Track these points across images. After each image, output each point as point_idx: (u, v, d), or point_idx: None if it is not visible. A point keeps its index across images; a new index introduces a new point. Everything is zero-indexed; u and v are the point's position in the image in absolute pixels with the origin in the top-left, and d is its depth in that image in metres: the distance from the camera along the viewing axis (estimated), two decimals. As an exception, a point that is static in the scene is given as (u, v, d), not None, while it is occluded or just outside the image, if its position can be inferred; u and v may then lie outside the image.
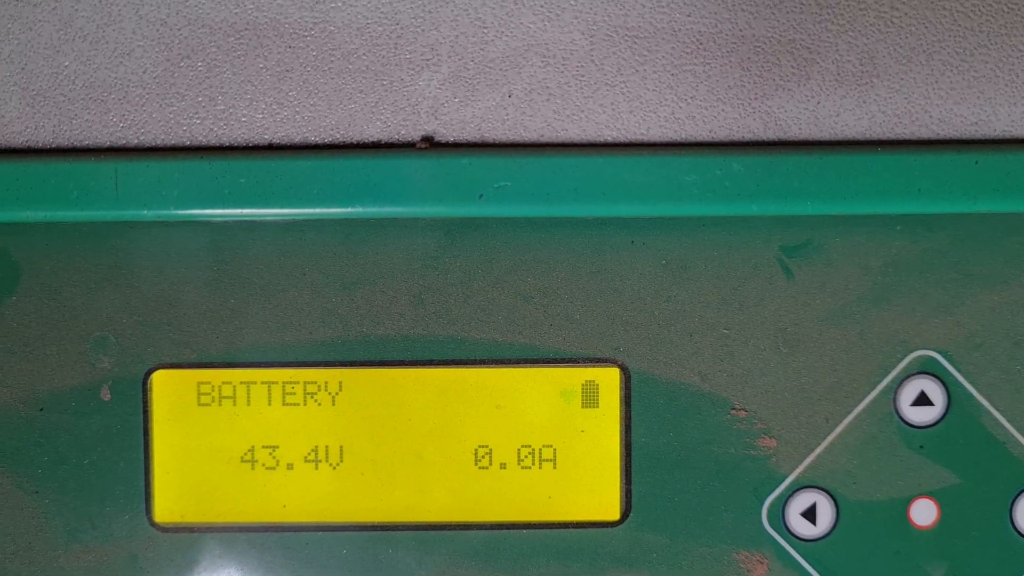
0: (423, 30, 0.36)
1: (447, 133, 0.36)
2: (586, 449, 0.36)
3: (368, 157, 0.35)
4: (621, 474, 0.36)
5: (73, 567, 0.36)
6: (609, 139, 0.36)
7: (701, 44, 0.35)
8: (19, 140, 0.36)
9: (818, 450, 0.36)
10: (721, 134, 0.36)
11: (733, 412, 0.36)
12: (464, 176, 0.34)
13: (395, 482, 0.36)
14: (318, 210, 0.35)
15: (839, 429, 0.36)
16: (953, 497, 0.36)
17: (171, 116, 0.36)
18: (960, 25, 0.36)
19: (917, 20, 0.35)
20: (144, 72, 0.36)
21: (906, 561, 0.36)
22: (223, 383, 0.36)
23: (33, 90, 0.36)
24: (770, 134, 0.36)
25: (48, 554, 0.37)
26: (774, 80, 0.36)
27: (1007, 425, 0.36)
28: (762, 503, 0.36)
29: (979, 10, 0.35)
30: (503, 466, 0.36)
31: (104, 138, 0.36)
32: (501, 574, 0.36)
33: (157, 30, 0.35)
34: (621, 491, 0.36)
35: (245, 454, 0.36)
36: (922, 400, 0.36)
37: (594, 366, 0.36)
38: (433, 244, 0.36)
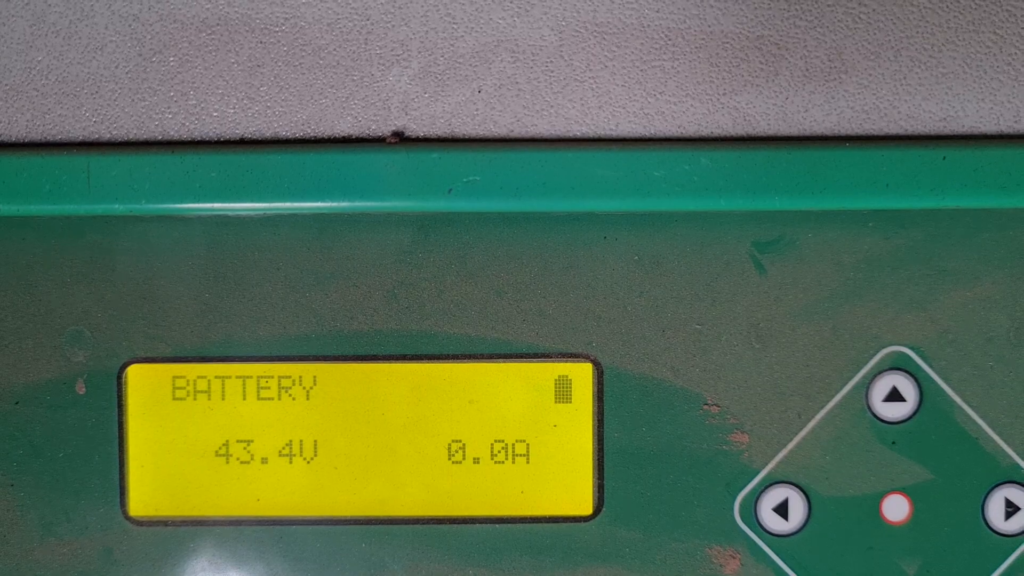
0: (393, 26, 0.36)
1: (417, 128, 0.36)
2: (559, 444, 0.36)
3: (339, 152, 0.35)
4: (594, 469, 0.36)
5: (48, 560, 0.37)
6: (578, 134, 0.36)
7: (670, 40, 0.35)
8: (-8, 135, 0.36)
9: (790, 445, 0.36)
10: (690, 129, 0.36)
11: (706, 407, 0.36)
12: (434, 171, 0.34)
13: (368, 476, 0.36)
14: (290, 204, 0.35)
15: (811, 424, 0.36)
16: (925, 493, 0.36)
17: (143, 111, 0.36)
18: (928, 22, 0.36)
19: (885, 17, 0.35)
20: (116, 67, 0.36)
21: (879, 556, 0.36)
22: (198, 377, 0.36)
23: (6, 85, 0.36)
24: (739, 130, 0.36)
25: (23, 547, 0.37)
26: (743, 76, 0.36)
27: (979, 421, 0.36)
28: (734, 498, 0.36)
29: (946, 7, 0.36)
30: (476, 461, 0.36)
31: (77, 132, 0.36)
32: (474, 568, 0.36)
33: (129, 25, 0.36)
34: (594, 486, 0.36)
35: (220, 448, 0.36)
36: (894, 396, 0.36)
37: (567, 361, 0.36)
38: (406, 239, 0.36)
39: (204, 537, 0.36)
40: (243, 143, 0.36)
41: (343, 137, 0.36)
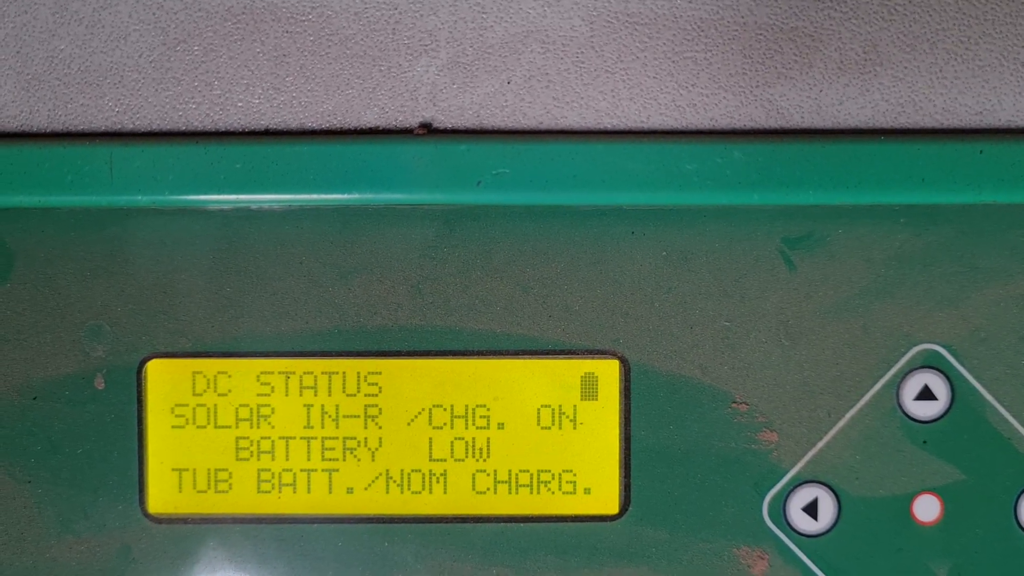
0: (421, 15, 0.35)
1: (445, 119, 0.36)
2: (585, 442, 0.36)
3: (365, 143, 0.35)
4: (620, 468, 0.36)
5: (66, 557, 0.36)
6: (609, 126, 0.36)
7: (702, 31, 0.35)
8: (14, 124, 0.36)
9: (820, 444, 0.36)
10: (722, 122, 0.36)
11: (734, 405, 0.36)
12: (462, 163, 0.34)
13: (392, 474, 0.36)
14: (315, 196, 0.35)
15: (841, 423, 0.36)
16: (957, 493, 0.36)
17: (167, 101, 0.36)
18: (964, 13, 0.35)
19: (921, 8, 0.35)
20: (140, 56, 0.36)
21: (909, 558, 0.36)
22: (218, 373, 0.36)
23: (28, 74, 0.36)
24: (772, 122, 0.36)
25: (40, 544, 0.36)
26: (776, 68, 0.35)
27: (1012, 420, 0.36)
28: (763, 498, 0.36)
29: (984, -2, 0.35)
30: (501, 459, 0.36)
31: (99, 123, 0.36)
32: (500, 567, 0.36)
33: (153, 14, 0.35)
34: (620, 485, 0.36)
35: (240, 445, 0.36)
36: (925, 395, 0.36)
37: (593, 358, 0.36)
38: (432, 233, 0.35)
39: (223, 535, 0.36)
40: (268, 134, 0.36)
41: (370, 128, 0.36)
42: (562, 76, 0.36)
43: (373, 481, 0.36)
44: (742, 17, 0.35)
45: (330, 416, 0.36)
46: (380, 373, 0.36)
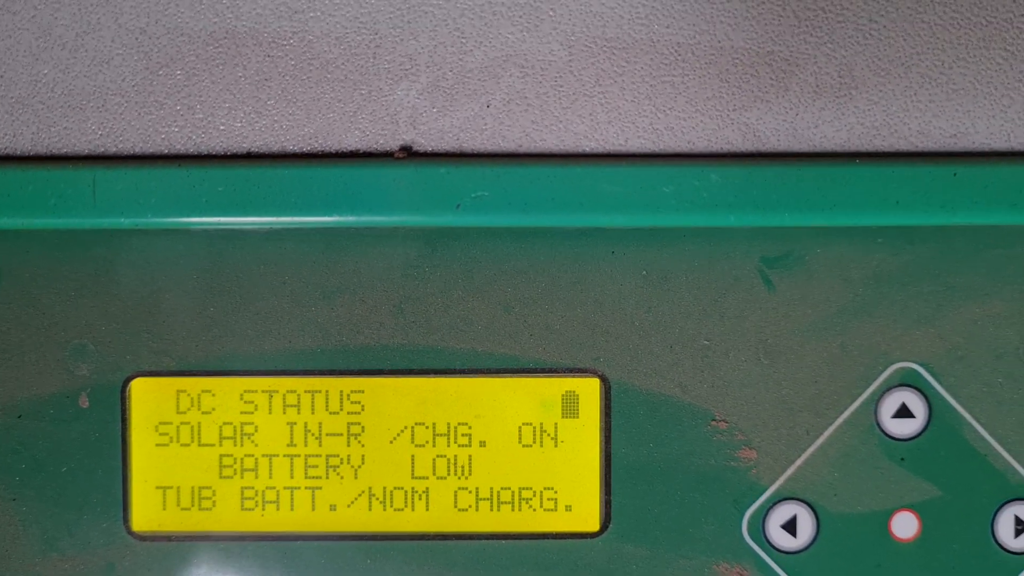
0: (402, 40, 0.36)
1: (425, 143, 0.36)
2: (566, 460, 0.36)
3: (347, 166, 0.35)
4: (601, 485, 0.36)
5: (50, 575, 0.36)
6: (587, 150, 0.36)
7: (680, 55, 0.36)
8: (-2, 147, 0.36)
9: (799, 462, 0.36)
10: (699, 145, 0.36)
11: (713, 423, 0.36)
12: (442, 185, 0.35)
13: (375, 491, 0.36)
14: (296, 219, 0.35)
15: (820, 441, 0.36)
16: (935, 510, 0.36)
17: (149, 124, 0.36)
18: (938, 38, 0.36)
19: (896, 33, 0.36)
20: (123, 80, 0.36)
21: (887, 574, 0.36)
22: (202, 391, 0.36)
23: (12, 98, 0.36)
24: (748, 146, 0.36)
25: (25, 562, 0.36)
26: (752, 92, 0.36)
27: (988, 438, 0.36)
28: (742, 515, 0.36)
29: (957, 23, 0.36)
30: (482, 476, 0.36)
31: (82, 146, 0.36)
32: (480, 585, 0.36)
33: (136, 38, 0.36)
34: (601, 502, 0.36)
35: (223, 462, 0.36)
36: (903, 412, 0.36)
37: (574, 376, 0.36)
38: (413, 254, 0.36)
39: (207, 552, 0.36)
40: (250, 157, 0.36)
41: (351, 151, 0.36)
42: (541, 100, 0.36)
43: (356, 498, 0.36)
44: (719, 42, 0.35)
45: (313, 434, 0.36)
46: (363, 391, 0.36)
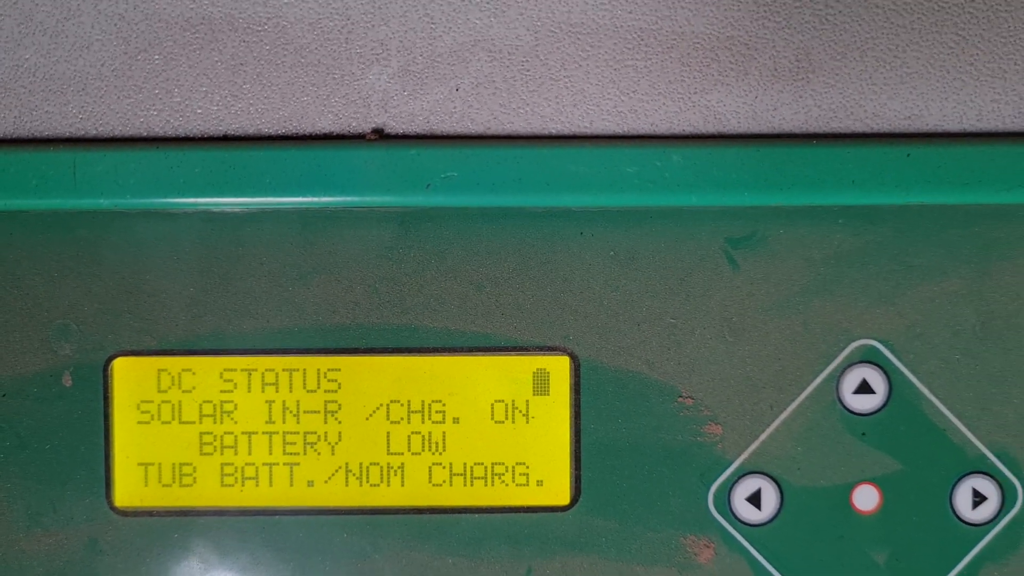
0: (373, 25, 0.36)
1: (396, 125, 0.36)
2: (537, 436, 0.36)
3: (320, 148, 0.35)
4: (571, 460, 0.36)
5: (34, 550, 0.37)
6: (553, 131, 0.36)
7: (642, 40, 0.36)
8: (-20, 131, 0.36)
9: (763, 437, 0.36)
10: (662, 127, 0.36)
11: (680, 400, 0.36)
12: (413, 167, 0.35)
13: (351, 467, 0.36)
14: (272, 200, 0.35)
15: (783, 416, 0.36)
16: (895, 483, 0.36)
17: (128, 108, 0.36)
18: (892, 23, 0.36)
19: (851, 18, 0.36)
20: (102, 65, 0.36)
21: (849, 545, 0.37)
22: (183, 370, 0.36)
23: (-6, 82, 0.36)
24: (709, 128, 0.36)
25: (9, 537, 0.37)
26: (713, 75, 0.36)
27: (947, 413, 0.36)
28: (708, 488, 0.36)
29: (911, 8, 0.36)
30: (456, 452, 0.36)
31: (63, 129, 0.36)
32: (454, 557, 0.37)
33: (115, 24, 0.36)
34: (571, 476, 0.36)
35: (204, 439, 0.36)
36: (864, 388, 0.36)
37: (545, 354, 0.36)
38: (387, 235, 0.36)
39: (189, 528, 0.37)
40: (226, 139, 0.36)
41: (324, 134, 0.36)
42: (508, 83, 0.36)
43: (333, 474, 0.36)
44: (680, 27, 0.36)
45: (291, 411, 0.36)
46: (339, 370, 0.36)
